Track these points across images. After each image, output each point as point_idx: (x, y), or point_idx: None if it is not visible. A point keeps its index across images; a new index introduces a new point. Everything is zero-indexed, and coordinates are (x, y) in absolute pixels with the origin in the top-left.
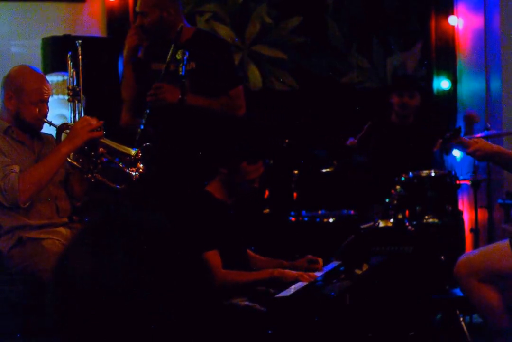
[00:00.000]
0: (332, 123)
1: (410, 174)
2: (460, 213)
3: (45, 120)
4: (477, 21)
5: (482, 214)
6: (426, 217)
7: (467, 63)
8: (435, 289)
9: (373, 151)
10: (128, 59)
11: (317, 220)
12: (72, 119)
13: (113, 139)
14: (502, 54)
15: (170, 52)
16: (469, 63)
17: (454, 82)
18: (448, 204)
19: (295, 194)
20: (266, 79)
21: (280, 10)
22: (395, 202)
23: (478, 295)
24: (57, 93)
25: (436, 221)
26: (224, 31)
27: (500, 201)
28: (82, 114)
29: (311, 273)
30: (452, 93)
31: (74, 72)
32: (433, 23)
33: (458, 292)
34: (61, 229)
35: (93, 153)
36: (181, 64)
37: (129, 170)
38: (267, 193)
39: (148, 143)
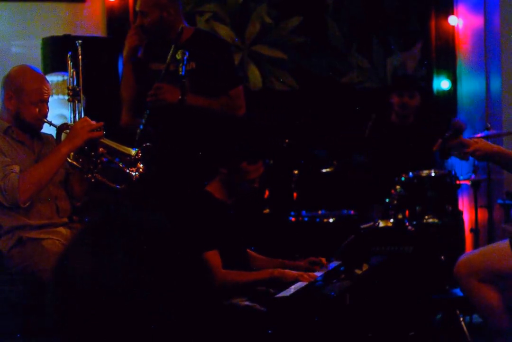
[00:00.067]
0: (332, 123)
1: (410, 174)
2: (460, 213)
3: (45, 120)
4: (477, 21)
5: (482, 214)
6: (426, 217)
7: (467, 63)
8: (435, 289)
9: (373, 151)
10: (127, 59)
11: (317, 220)
12: (72, 119)
13: (113, 139)
14: (502, 54)
15: (170, 53)
16: (469, 63)
17: (454, 82)
18: (448, 204)
19: (295, 194)
20: (266, 79)
21: (280, 10)
22: (395, 202)
23: (478, 295)
24: (57, 93)
25: (436, 221)
26: (224, 31)
27: (500, 201)
28: (82, 114)
29: (311, 273)
30: (452, 93)
31: (74, 72)
32: (433, 23)
33: (458, 292)
34: (61, 229)
35: (93, 153)
36: (181, 64)
37: (129, 170)
38: (267, 193)
39: (148, 144)
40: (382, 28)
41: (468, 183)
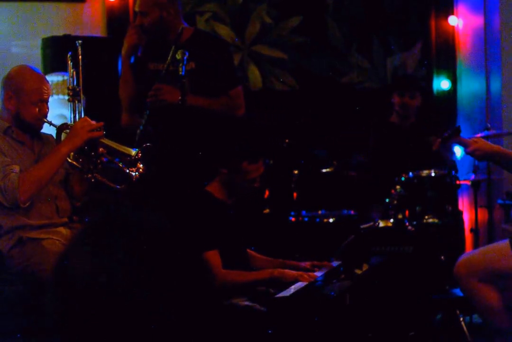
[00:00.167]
0: (332, 123)
1: (410, 174)
2: (460, 213)
3: (45, 120)
4: (477, 21)
5: (482, 214)
6: (426, 217)
7: (467, 63)
8: (435, 289)
9: (373, 151)
10: (126, 58)
11: (317, 220)
12: (72, 119)
13: (113, 139)
14: (502, 54)
15: (170, 54)
16: (469, 63)
17: (454, 82)
18: (448, 204)
19: (295, 194)
20: (266, 79)
21: (280, 10)
22: (395, 202)
23: (478, 295)
24: (57, 93)
25: (436, 221)
26: (224, 31)
27: (500, 201)
28: (82, 114)
29: (311, 273)
30: (452, 93)
31: (74, 72)
32: (433, 23)
33: (458, 292)
34: (61, 229)
35: (93, 153)
36: (181, 64)
37: (129, 170)
38: (267, 193)
39: (148, 144)
40: (382, 28)
41: (468, 183)
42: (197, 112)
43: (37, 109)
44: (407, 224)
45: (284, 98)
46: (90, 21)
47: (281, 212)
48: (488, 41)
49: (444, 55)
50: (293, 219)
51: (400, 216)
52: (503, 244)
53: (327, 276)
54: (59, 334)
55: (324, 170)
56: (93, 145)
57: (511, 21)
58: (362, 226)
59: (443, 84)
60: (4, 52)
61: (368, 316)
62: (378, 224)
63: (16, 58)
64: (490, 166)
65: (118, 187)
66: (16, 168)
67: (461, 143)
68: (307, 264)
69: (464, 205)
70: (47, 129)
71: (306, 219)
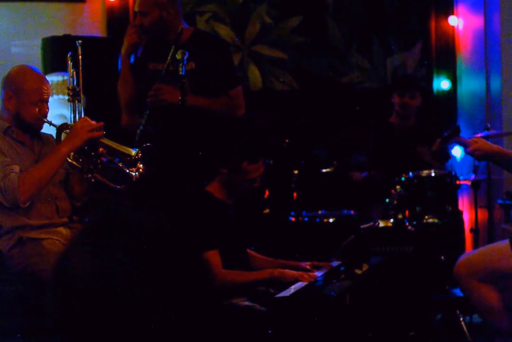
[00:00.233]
0: (332, 123)
1: (410, 174)
2: (460, 213)
3: (45, 120)
4: (477, 21)
5: (482, 214)
6: (426, 217)
7: (467, 63)
8: (435, 289)
9: (373, 151)
10: (126, 57)
11: (317, 220)
12: (72, 119)
13: (113, 139)
14: (502, 54)
15: (170, 54)
16: (469, 63)
17: (454, 82)
18: (448, 204)
19: (295, 194)
20: (266, 79)
21: (280, 10)
22: (395, 202)
23: (478, 295)
24: (57, 93)
25: (436, 221)
26: (224, 31)
27: (500, 201)
28: (82, 114)
29: (311, 273)
30: (452, 93)
31: (74, 72)
32: (433, 23)
33: (458, 292)
34: (61, 229)
35: (93, 153)
36: (181, 64)
37: (129, 170)
38: (267, 193)
39: (148, 144)
40: (382, 28)
41: (468, 183)
42: (197, 112)
43: (37, 109)
44: (407, 224)
45: (284, 98)
46: (90, 21)
47: (281, 212)
48: (488, 41)
49: (444, 55)
50: (293, 219)
51: (400, 216)
52: (503, 244)
53: (327, 276)
54: (59, 334)
55: (324, 170)
56: (93, 145)
57: (511, 21)
58: (362, 226)
59: (443, 84)
60: (4, 52)
61: (368, 316)
62: (378, 224)
63: (16, 58)
64: (490, 166)
65: (118, 187)
66: (16, 168)
67: (461, 143)
68: (307, 264)
69: (464, 205)
70: (47, 129)
71: (306, 219)
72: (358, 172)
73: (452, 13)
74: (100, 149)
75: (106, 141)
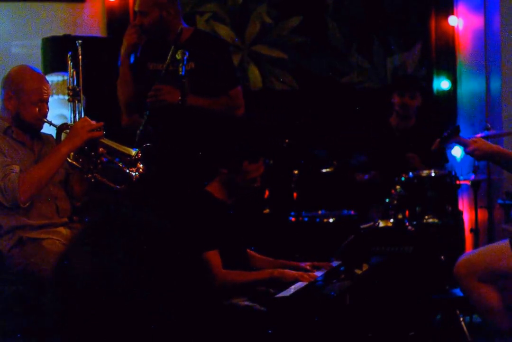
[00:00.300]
0: (332, 123)
1: (410, 174)
2: (460, 213)
3: (45, 120)
4: (477, 21)
5: (482, 214)
6: (426, 217)
7: (467, 63)
8: (435, 289)
9: (373, 151)
10: (126, 57)
11: (317, 220)
12: (72, 119)
13: (113, 139)
14: (502, 54)
15: (170, 54)
16: (469, 63)
17: (454, 82)
18: (448, 204)
19: (295, 194)
20: (266, 79)
21: (280, 10)
22: (395, 202)
23: (478, 295)
24: (57, 93)
25: (436, 221)
26: (224, 31)
27: (500, 201)
28: (82, 114)
29: (311, 273)
30: (452, 93)
31: (74, 72)
32: (433, 23)
33: (458, 292)
34: (61, 229)
35: (93, 153)
36: (181, 64)
37: (129, 170)
38: (267, 193)
39: (148, 144)
40: (382, 28)
41: (468, 183)
42: (197, 112)
43: (37, 109)
44: (407, 224)
45: (284, 98)
46: (90, 21)
47: (281, 212)
48: (488, 41)
49: (444, 55)
50: (293, 219)
51: (400, 216)
52: (503, 244)
53: (327, 276)
54: (59, 334)
55: (324, 170)
56: (93, 145)
57: (511, 21)
58: (362, 226)
59: (443, 84)
60: (4, 52)
61: (368, 316)
62: (378, 224)
63: (16, 58)
64: (490, 166)
65: (118, 187)
66: (16, 168)
67: (460, 143)
68: (307, 264)
69: (464, 205)
70: (47, 129)
71: (306, 219)
72: (361, 173)
73: (452, 13)
74: (100, 149)
75: (106, 141)
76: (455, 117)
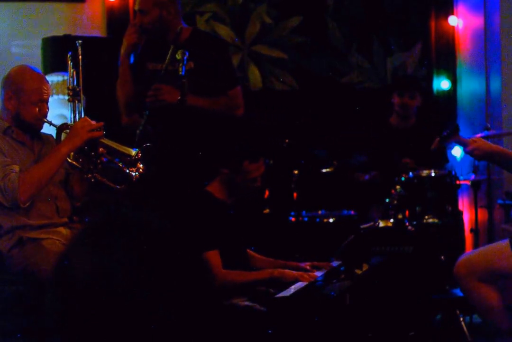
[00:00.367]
0: (332, 123)
1: (410, 174)
2: (460, 213)
3: (45, 120)
4: (477, 21)
5: (482, 214)
6: (426, 217)
7: (467, 63)
8: (435, 289)
9: (373, 151)
10: (125, 57)
11: (317, 220)
12: (72, 119)
13: (113, 139)
14: (502, 54)
15: (169, 53)
16: (469, 63)
17: (454, 82)
18: (448, 204)
19: (295, 194)
20: (266, 79)
21: (280, 10)
22: (395, 202)
23: (478, 295)
24: (57, 93)
25: (436, 221)
26: (224, 31)
27: (500, 201)
28: (82, 114)
29: (311, 273)
30: (452, 93)
31: (74, 72)
32: (433, 23)
33: (458, 292)
34: (61, 229)
35: (93, 153)
36: (181, 64)
37: (129, 170)
38: (267, 193)
39: (148, 144)
40: (382, 28)
41: (468, 183)
42: (196, 112)
43: (37, 109)
44: (407, 224)
45: (284, 98)
46: (90, 21)
47: (281, 212)
48: (488, 41)
49: (444, 55)
50: (293, 219)
51: (400, 216)
52: (503, 244)
53: (327, 276)
54: (59, 334)
55: (324, 170)
56: (93, 145)
57: (511, 21)
58: (362, 226)
59: (443, 84)
60: (4, 52)
61: (368, 316)
62: (378, 224)
63: (16, 58)
64: (490, 166)
65: (118, 187)
66: (16, 168)
67: (460, 142)
68: (307, 264)
69: (464, 205)
70: (47, 129)
71: (306, 219)
72: (361, 173)
73: (452, 13)
74: (100, 149)
75: (106, 141)
76: (455, 117)
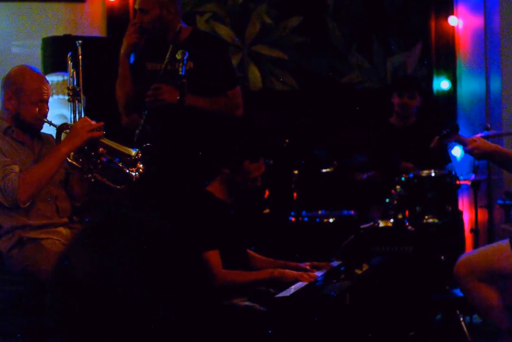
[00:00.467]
0: (332, 123)
1: (410, 173)
2: (460, 213)
3: (45, 120)
4: (477, 21)
5: (482, 214)
6: (426, 217)
7: (467, 63)
8: (435, 289)
9: (373, 151)
10: (125, 57)
11: (317, 220)
12: (72, 119)
13: (113, 139)
14: (502, 54)
15: (169, 52)
16: (469, 63)
17: (454, 82)
18: (448, 204)
19: (295, 194)
20: (266, 79)
21: (280, 10)
22: (395, 202)
23: (478, 295)
24: (57, 93)
25: (436, 221)
26: (224, 31)
27: (500, 201)
28: (82, 114)
29: (311, 273)
30: (452, 93)
31: (74, 72)
32: (433, 23)
33: (458, 292)
34: (61, 229)
35: (93, 153)
36: (181, 64)
37: (129, 170)
38: (267, 193)
39: (148, 144)
40: (382, 28)
41: (468, 183)
42: (195, 112)
43: (37, 109)
44: (407, 224)
45: (284, 98)
46: (90, 21)
47: (281, 212)
48: (488, 41)
49: (444, 55)
50: (293, 219)
51: (400, 216)
52: (503, 244)
53: (327, 276)
54: (59, 334)
55: (324, 170)
56: (93, 145)
57: (511, 21)
58: (362, 226)
59: (443, 84)
60: (4, 52)
61: (368, 316)
62: (378, 224)
63: (16, 58)
64: (490, 166)
65: (118, 187)
66: (16, 168)
67: (460, 141)
68: (307, 264)
69: (464, 205)
70: (47, 129)
71: (306, 219)
72: (361, 173)
73: (452, 13)
74: (100, 149)
75: (106, 141)
76: (455, 117)
